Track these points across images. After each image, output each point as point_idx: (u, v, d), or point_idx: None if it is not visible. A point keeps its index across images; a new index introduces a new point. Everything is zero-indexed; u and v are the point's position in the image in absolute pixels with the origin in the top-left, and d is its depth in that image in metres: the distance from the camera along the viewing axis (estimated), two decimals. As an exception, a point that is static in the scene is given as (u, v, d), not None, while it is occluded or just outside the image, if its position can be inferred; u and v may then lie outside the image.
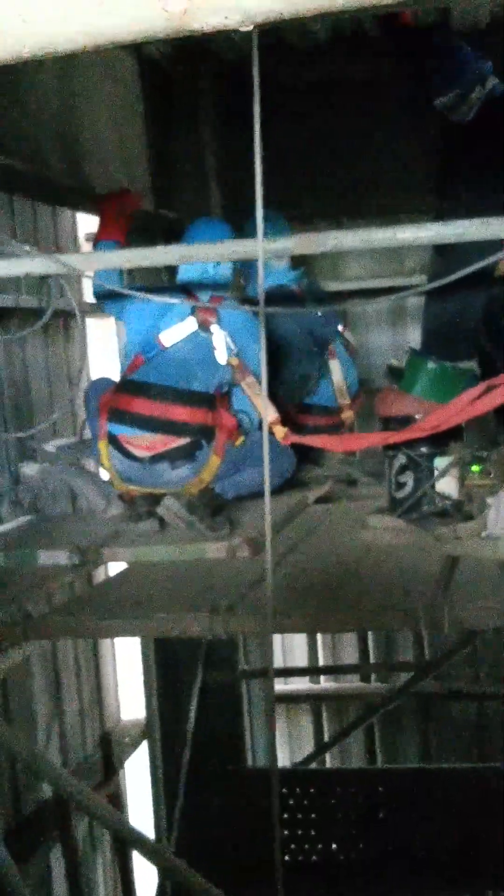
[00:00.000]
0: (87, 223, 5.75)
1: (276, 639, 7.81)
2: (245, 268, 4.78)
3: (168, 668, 6.28)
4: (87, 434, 4.87)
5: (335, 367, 5.58)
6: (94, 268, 3.15)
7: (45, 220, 5.46)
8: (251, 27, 1.51)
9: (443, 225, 2.80)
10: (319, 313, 5.58)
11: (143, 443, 4.34)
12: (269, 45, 6.23)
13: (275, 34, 6.33)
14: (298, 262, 5.70)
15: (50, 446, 4.85)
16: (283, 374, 5.13)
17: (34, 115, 5.07)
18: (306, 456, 5.03)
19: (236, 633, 6.52)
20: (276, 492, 4.60)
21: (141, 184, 6.25)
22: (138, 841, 4.06)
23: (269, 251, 2.75)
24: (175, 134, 6.94)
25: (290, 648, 7.96)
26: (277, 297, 5.33)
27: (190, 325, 4.50)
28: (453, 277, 2.83)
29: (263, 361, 3.77)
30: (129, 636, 4.93)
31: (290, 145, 6.43)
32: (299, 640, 7.93)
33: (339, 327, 5.73)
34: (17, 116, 4.92)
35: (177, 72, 6.80)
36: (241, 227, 4.57)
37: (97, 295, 4.80)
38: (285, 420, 4.44)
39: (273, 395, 4.63)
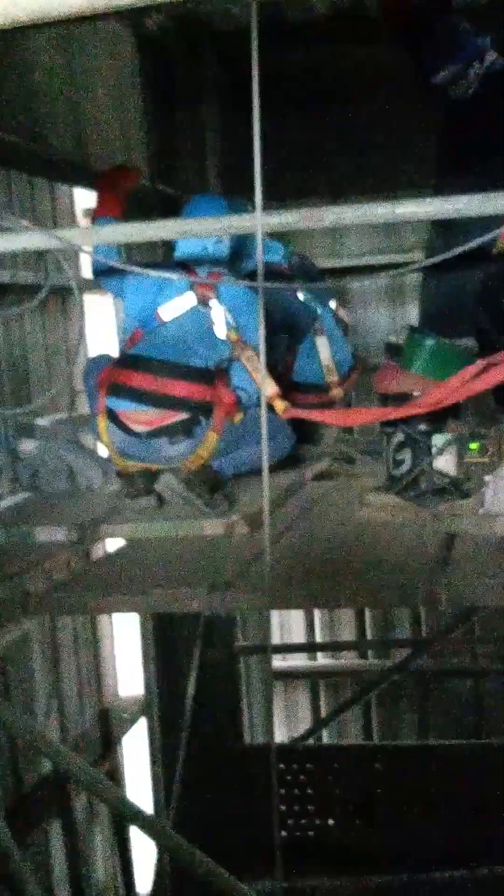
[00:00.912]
0: (85, 199, 5.73)
1: (274, 615, 7.84)
2: (239, 244, 4.77)
3: (166, 644, 6.29)
4: (84, 409, 4.86)
5: (322, 343, 5.54)
6: (92, 243, 3.14)
7: (43, 195, 5.44)
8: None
9: (443, 200, 2.78)
10: (304, 293, 5.55)
11: (141, 418, 4.33)
12: (270, 24, 6.21)
13: (275, 9, 6.30)
14: (279, 239, 5.69)
15: (45, 421, 4.84)
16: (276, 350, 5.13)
17: (33, 90, 5.05)
18: (303, 434, 5.01)
19: (234, 610, 6.60)
20: (274, 469, 4.59)
21: (140, 160, 6.24)
22: (137, 816, 4.07)
23: (268, 226, 2.73)
24: (176, 111, 6.92)
25: (287, 625, 7.99)
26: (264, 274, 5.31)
27: (189, 299, 4.49)
28: (453, 253, 2.82)
29: (261, 337, 3.77)
30: (127, 612, 4.94)
31: (291, 124, 6.43)
32: (297, 617, 7.96)
33: (332, 304, 5.70)
34: (16, 92, 4.90)
35: (178, 49, 6.77)
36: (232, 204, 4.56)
37: (95, 272, 4.78)
38: (284, 395, 4.44)
39: (272, 370, 4.61)
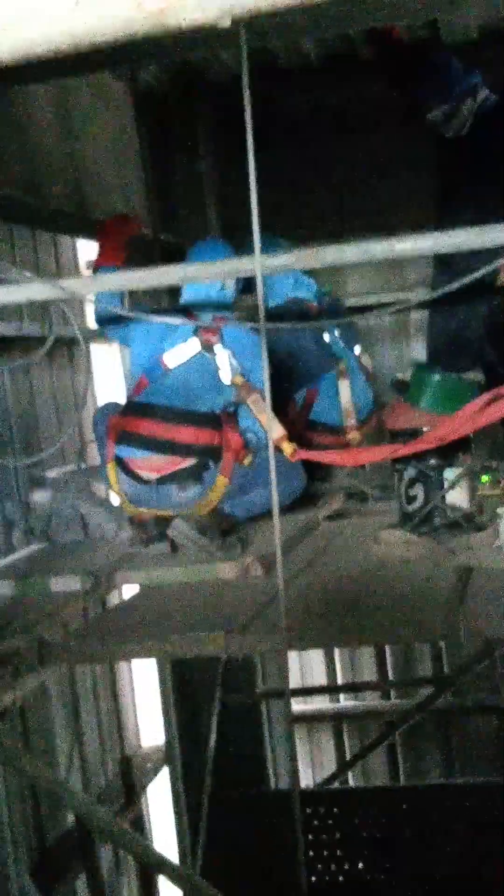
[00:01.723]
0: (88, 251, 5.77)
1: (294, 659, 7.80)
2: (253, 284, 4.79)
3: (186, 691, 6.26)
4: (94, 460, 4.88)
5: (344, 386, 5.57)
6: (94, 290, 3.17)
7: (46, 248, 5.49)
8: (228, 23, 1.52)
9: (440, 234, 2.81)
10: (337, 332, 5.58)
11: (149, 465, 4.33)
12: (263, 70, 6.29)
13: (267, 57, 6.37)
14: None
15: (55, 473, 4.85)
16: (285, 390, 5.14)
17: (31, 144, 5.11)
18: (314, 472, 5.02)
19: (253, 654, 6.56)
20: (287, 510, 4.59)
21: (139, 209, 6.29)
22: (163, 865, 4.04)
23: (268, 267, 2.75)
24: (173, 159, 6.99)
25: (308, 668, 7.94)
26: (292, 310, 5.34)
27: (193, 346, 4.51)
28: (454, 285, 2.84)
29: (266, 378, 3.78)
30: (144, 658, 4.92)
31: (288, 169, 6.48)
32: (317, 660, 7.91)
33: (357, 349, 5.73)
34: (15, 146, 4.96)
35: (173, 100, 6.85)
36: (241, 248, 4.59)
37: (100, 321, 4.81)
38: (292, 437, 4.44)
39: (279, 412, 4.62)
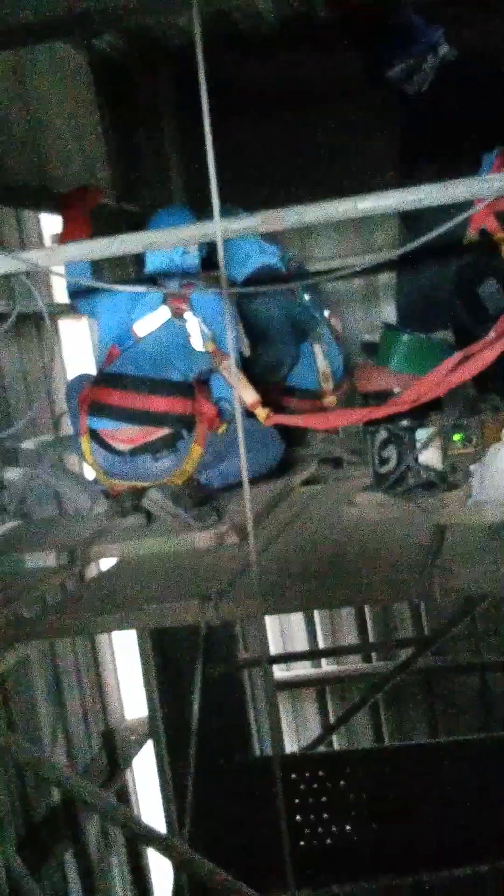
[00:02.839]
0: (53, 225, 5.72)
1: (275, 625, 7.82)
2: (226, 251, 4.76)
3: (167, 663, 6.27)
4: (68, 430, 4.85)
5: (318, 351, 5.56)
6: (55, 262, 3.13)
7: (9, 224, 5.43)
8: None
9: (403, 191, 2.78)
10: (307, 295, 5.56)
11: (123, 436, 4.31)
12: (222, 37, 6.23)
13: (225, 22, 6.31)
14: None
15: (29, 443, 4.82)
16: (261, 358, 5.12)
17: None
18: (289, 437, 5.01)
19: (233, 623, 6.58)
20: (262, 478, 4.58)
21: (102, 180, 6.24)
22: (151, 837, 4.06)
23: (229, 231, 2.73)
24: (135, 129, 6.92)
25: (289, 634, 7.96)
26: (265, 277, 5.31)
27: (163, 314, 4.47)
28: (420, 242, 2.82)
29: (231, 344, 3.77)
30: (123, 630, 4.91)
31: (250, 136, 6.43)
32: (298, 625, 7.94)
33: (326, 313, 5.72)
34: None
35: (132, 68, 6.78)
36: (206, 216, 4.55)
37: (71, 294, 4.78)
38: (267, 402, 4.42)
39: (252, 378, 4.61)
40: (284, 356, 5.34)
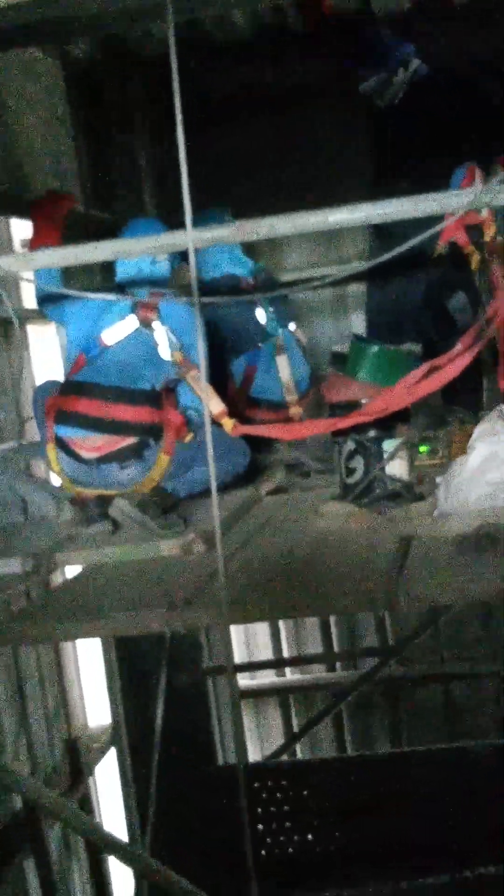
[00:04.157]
0: (23, 230, 5.70)
1: (240, 633, 7.82)
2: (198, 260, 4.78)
3: (132, 670, 6.25)
4: (34, 437, 4.83)
5: (283, 363, 5.59)
6: (25, 268, 3.13)
7: (-22, 228, 5.42)
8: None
9: (374, 205, 2.81)
10: (271, 308, 5.58)
11: (89, 444, 4.31)
12: (195, 46, 6.23)
13: (199, 32, 6.32)
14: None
15: (-6, 450, 4.81)
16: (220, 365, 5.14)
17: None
18: (255, 444, 5.02)
19: (199, 631, 6.57)
20: (229, 486, 4.59)
21: (73, 187, 6.22)
22: (112, 845, 4.04)
23: (200, 241, 2.73)
24: (107, 136, 6.92)
25: (254, 643, 7.96)
26: (225, 285, 5.33)
27: (131, 322, 4.48)
28: (391, 255, 2.84)
29: (201, 353, 3.78)
30: (88, 637, 4.91)
31: (223, 144, 6.44)
32: (263, 634, 7.94)
33: (291, 325, 5.74)
34: None
35: (105, 76, 6.78)
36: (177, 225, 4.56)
37: (39, 300, 4.77)
38: (233, 413, 4.43)
39: (220, 390, 4.62)
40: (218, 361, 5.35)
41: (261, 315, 5.58)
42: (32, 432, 5.02)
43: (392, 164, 5.46)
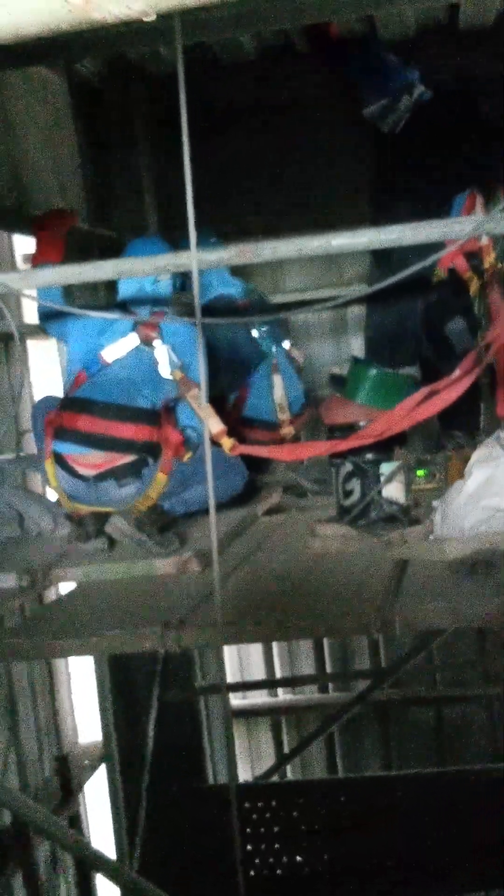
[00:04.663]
0: (24, 245, 5.73)
1: (233, 653, 7.81)
2: (190, 281, 4.80)
3: (124, 688, 6.24)
4: (32, 449, 4.83)
5: (277, 382, 5.60)
6: (28, 285, 3.14)
7: (-19, 243, 5.44)
8: (154, 16, 1.51)
9: (376, 231, 2.82)
10: (264, 328, 5.60)
11: (88, 461, 4.31)
12: (201, 65, 6.27)
13: (205, 52, 6.36)
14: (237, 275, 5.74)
15: (-8, 461, 4.82)
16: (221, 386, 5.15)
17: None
18: (254, 466, 5.03)
19: (191, 649, 6.56)
20: (226, 506, 4.59)
21: (77, 203, 6.25)
22: (101, 862, 4.03)
23: (204, 263, 2.75)
24: (111, 153, 6.95)
25: (247, 663, 7.96)
26: (219, 307, 5.34)
27: (132, 340, 4.48)
28: (391, 281, 2.85)
29: (203, 373, 3.79)
30: (81, 655, 4.90)
31: (226, 164, 6.48)
32: (256, 654, 7.93)
33: (286, 344, 5.75)
34: None
35: (111, 92, 6.82)
36: (177, 243, 4.58)
37: (41, 316, 4.78)
38: (230, 432, 4.44)
39: (220, 407, 4.62)
40: (223, 383, 5.36)
41: (255, 335, 5.59)
42: (30, 445, 5.03)
43: (393, 186, 5.48)
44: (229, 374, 5.37)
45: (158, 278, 4.68)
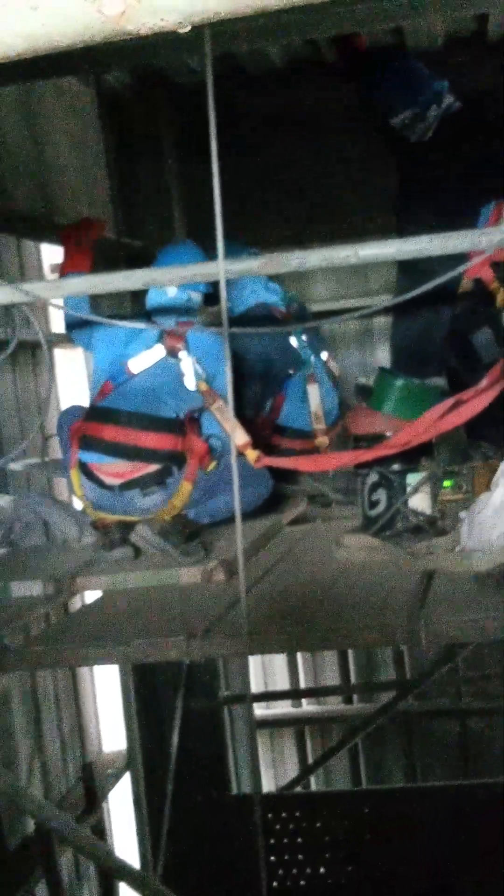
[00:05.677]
0: (52, 254, 5.75)
1: (257, 663, 7.80)
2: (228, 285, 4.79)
3: (148, 697, 6.24)
4: (57, 454, 4.85)
5: (313, 392, 5.59)
6: (56, 295, 3.15)
7: (10, 253, 5.46)
8: (188, 28, 1.52)
9: (403, 241, 2.82)
10: (304, 337, 5.60)
11: (113, 470, 4.32)
12: (228, 75, 6.29)
13: (232, 61, 6.38)
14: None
15: (18, 465, 4.83)
16: (253, 396, 5.15)
17: (-5, 148, 5.09)
18: (280, 475, 5.03)
19: (216, 659, 6.56)
20: (251, 515, 4.59)
21: (104, 213, 6.28)
22: (124, 871, 4.03)
23: (231, 272, 2.75)
24: (138, 163, 6.98)
25: (271, 672, 7.94)
26: (258, 315, 5.35)
27: (158, 351, 4.49)
28: (417, 292, 2.85)
29: (229, 384, 3.79)
30: (106, 664, 4.91)
31: (253, 173, 6.48)
32: (280, 664, 7.91)
33: (324, 355, 5.76)
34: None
35: (138, 102, 6.84)
36: (208, 253, 4.58)
37: (68, 325, 4.80)
38: (257, 442, 4.44)
39: (245, 418, 4.62)
40: (248, 393, 5.36)
41: (294, 343, 5.59)
42: (55, 450, 5.05)
43: (417, 198, 5.46)
44: (258, 386, 5.36)
45: (192, 297, 4.69)
